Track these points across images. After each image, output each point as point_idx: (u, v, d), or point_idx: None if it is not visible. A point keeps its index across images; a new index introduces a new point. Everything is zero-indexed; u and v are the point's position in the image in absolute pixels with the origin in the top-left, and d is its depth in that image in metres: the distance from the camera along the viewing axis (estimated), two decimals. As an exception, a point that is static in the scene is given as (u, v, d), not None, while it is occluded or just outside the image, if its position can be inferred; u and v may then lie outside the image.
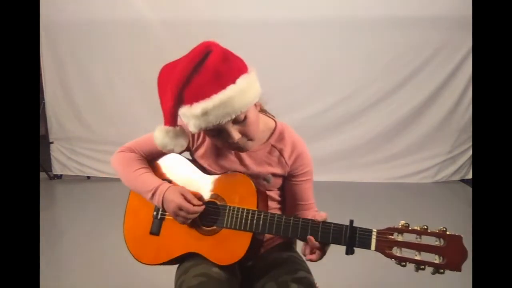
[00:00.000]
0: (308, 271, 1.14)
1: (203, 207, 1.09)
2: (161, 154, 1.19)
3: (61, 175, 3.88)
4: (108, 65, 3.59)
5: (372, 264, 2.06)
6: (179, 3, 3.44)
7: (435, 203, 3.25)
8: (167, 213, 1.14)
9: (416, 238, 0.90)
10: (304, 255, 1.02)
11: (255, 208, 1.05)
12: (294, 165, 1.15)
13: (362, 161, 3.71)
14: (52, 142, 3.81)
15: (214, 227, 1.09)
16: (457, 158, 3.69)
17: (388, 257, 0.91)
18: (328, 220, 0.98)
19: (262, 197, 1.10)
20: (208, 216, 1.10)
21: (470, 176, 3.68)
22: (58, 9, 3.45)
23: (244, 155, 1.13)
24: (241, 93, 0.94)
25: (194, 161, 1.20)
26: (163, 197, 1.10)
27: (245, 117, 0.99)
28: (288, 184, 1.18)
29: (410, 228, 0.91)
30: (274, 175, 1.15)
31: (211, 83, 0.92)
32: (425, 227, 0.90)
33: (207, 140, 1.15)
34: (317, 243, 0.97)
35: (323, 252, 0.99)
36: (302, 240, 1.02)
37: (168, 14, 3.44)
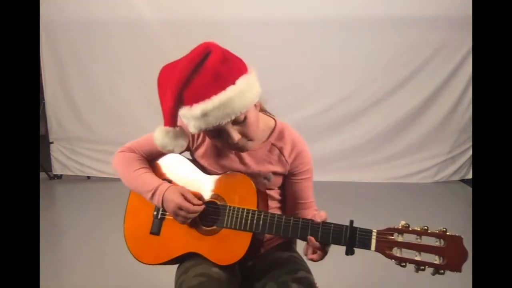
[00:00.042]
0: (308, 271, 1.14)
1: (203, 206, 1.09)
2: (161, 154, 1.19)
3: (61, 175, 3.88)
4: (108, 65, 3.59)
5: (372, 264, 2.06)
6: (179, 3, 3.44)
7: (435, 203, 3.25)
8: (167, 213, 1.14)
9: (416, 238, 0.90)
10: (306, 255, 1.02)
11: (255, 208, 1.05)
12: (294, 163, 1.15)
13: (362, 161, 3.71)
14: (52, 142, 3.81)
15: (214, 227, 1.09)
16: (457, 158, 3.69)
17: (388, 257, 0.91)
18: (328, 220, 0.98)
19: (262, 197, 1.10)
20: (208, 216, 1.10)
21: (470, 176, 3.68)
22: (58, 9, 3.45)
23: (244, 154, 1.13)
24: (241, 94, 0.94)
25: (194, 161, 1.20)
26: (163, 197, 1.10)
27: (245, 118, 0.99)
28: (288, 183, 1.18)
29: (410, 229, 0.91)
30: (275, 173, 1.15)
31: (211, 84, 0.92)
32: (425, 227, 0.90)
33: (207, 140, 1.15)
34: (317, 243, 0.97)
35: (324, 252, 0.99)
36: (303, 240, 1.02)
37: (168, 14, 3.44)
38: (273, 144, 1.15)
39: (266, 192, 1.14)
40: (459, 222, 2.75)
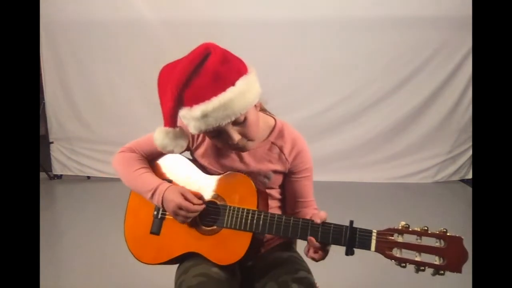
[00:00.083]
0: (308, 271, 1.14)
1: (203, 206, 1.09)
2: (161, 154, 1.19)
3: (61, 175, 3.88)
4: (108, 65, 3.59)
5: (372, 265, 2.06)
6: (179, 3, 3.44)
7: (435, 203, 3.24)
8: (167, 213, 1.14)
9: (416, 239, 0.90)
10: (307, 255, 1.02)
11: (255, 208, 1.05)
12: (294, 162, 1.15)
13: (362, 161, 3.71)
14: (52, 142, 3.81)
15: (214, 227, 1.09)
16: (457, 158, 3.69)
17: (388, 258, 0.91)
18: (328, 221, 0.98)
19: (263, 197, 1.10)
20: (208, 216, 1.10)
21: (470, 176, 3.68)
22: (58, 9, 3.45)
23: (244, 153, 1.13)
24: (241, 95, 0.94)
25: (194, 161, 1.20)
26: (162, 197, 1.10)
27: (245, 118, 0.99)
28: (288, 181, 1.19)
29: (410, 229, 0.91)
30: (275, 172, 1.15)
31: (211, 85, 0.93)
32: (426, 228, 0.90)
33: (207, 139, 1.15)
34: (317, 244, 0.97)
35: (324, 252, 0.99)
36: (303, 240, 1.02)
37: (168, 14, 3.44)
38: (273, 143, 1.15)
39: (267, 192, 1.14)
40: (459, 222, 2.75)
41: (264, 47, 3.37)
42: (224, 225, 1.07)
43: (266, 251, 1.21)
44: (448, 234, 0.88)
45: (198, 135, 1.16)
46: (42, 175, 3.79)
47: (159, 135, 1.03)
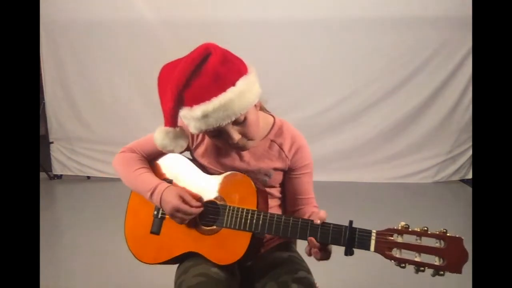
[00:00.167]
0: (308, 271, 1.14)
1: (201, 209, 1.09)
2: (162, 154, 1.20)
3: (61, 175, 3.88)
4: (108, 65, 3.59)
5: (372, 265, 2.06)
6: (179, 3, 3.44)
7: (435, 203, 3.24)
8: (167, 213, 1.14)
9: (416, 239, 0.90)
10: (308, 255, 1.01)
11: (255, 208, 1.05)
12: (294, 158, 1.15)
13: (362, 161, 3.71)
14: (52, 142, 3.81)
15: (214, 227, 1.09)
16: (457, 158, 3.69)
17: (387, 258, 0.91)
18: (328, 221, 0.98)
19: (262, 197, 1.10)
20: (208, 215, 1.10)
21: (470, 176, 3.68)
22: (58, 9, 3.45)
23: (244, 151, 1.13)
24: (241, 95, 0.94)
25: (194, 160, 1.20)
26: (161, 197, 1.10)
27: (245, 118, 0.99)
28: (288, 178, 1.19)
29: (410, 230, 0.91)
30: (275, 169, 1.16)
31: (211, 85, 0.93)
32: (425, 228, 0.90)
33: (207, 139, 1.15)
34: (318, 244, 0.97)
35: (325, 252, 0.98)
36: (303, 240, 1.01)
37: (168, 14, 3.44)
38: (272, 141, 1.15)
39: (267, 192, 1.14)
40: (459, 222, 2.75)
41: (264, 47, 3.37)
42: (224, 225, 1.07)
43: (266, 251, 1.21)
44: (448, 234, 0.88)
45: (198, 135, 1.16)
46: (42, 175, 3.79)
47: (159, 135, 1.04)
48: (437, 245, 0.89)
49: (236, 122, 0.99)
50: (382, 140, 3.67)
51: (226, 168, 1.15)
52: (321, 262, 1.00)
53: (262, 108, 1.18)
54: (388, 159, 3.70)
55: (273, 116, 1.19)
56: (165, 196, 1.10)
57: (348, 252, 0.94)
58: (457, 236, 0.88)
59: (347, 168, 3.69)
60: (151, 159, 1.22)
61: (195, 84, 0.93)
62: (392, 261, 0.90)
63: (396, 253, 0.90)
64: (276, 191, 1.20)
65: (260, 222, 1.03)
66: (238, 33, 3.30)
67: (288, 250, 1.22)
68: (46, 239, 2.47)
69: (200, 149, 1.18)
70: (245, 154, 1.14)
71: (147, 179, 1.15)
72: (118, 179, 1.22)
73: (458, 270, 0.86)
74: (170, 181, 1.17)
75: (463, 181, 3.71)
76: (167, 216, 1.15)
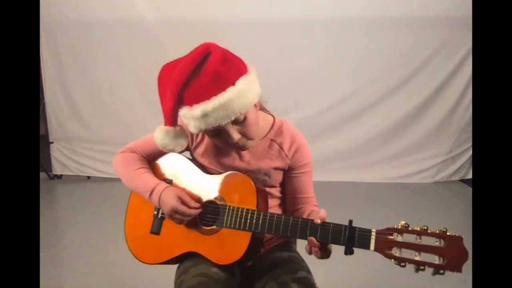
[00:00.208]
0: (308, 271, 1.14)
1: (199, 210, 1.09)
2: (162, 154, 1.20)
3: (61, 175, 3.88)
4: (108, 65, 3.59)
5: (373, 265, 2.06)
6: (179, 3, 3.44)
7: (435, 203, 3.25)
8: (167, 213, 1.14)
9: (416, 238, 0.90)
10: (309, 254, 1.01)
11: (254, 208, 1.05)
12: (294, 157, 1.16)
13: (362, 161, 3.71)
14: (52, 142, 3.81)
15: (214, 227, 1.09)
16: (457, 158, 3.69)
17: (387, 257, 0.91)
18: (328, 220, 0.98)
19: (262, 197, 1.10)
20: (208, 215, 1.10)
21: (470, 176, 3.68)
22: (58, 9, 3.45)
23: (244, 151, 1.14)
24: (241, 94, 0.94)
25: (194, 160, 1.20)
26: (159, 198, 1.10)
27: (245, 118, 0.99)
28: (288, 178, 1.19)
29: (410, 229, 0.91)
30: (275, 169, 1.16)
31: (211, 85, 0.93)
32: (425, 227, 0.90)
33: (207, 138, 1.16)
34: (318, 243, 0.97)
35: (325, 251, 0.98)
36: (303, 239, 1.01)
37: (168, 14, 3.44)
38: (272, 140, 1.15)
39: (267, 192, 1.14)
40: (459, 222, 2.75)
41: (264, 47, 3.37)
42: (224, 225, 1.07)
43: (266, 251, 1.21)
44: (448, 233, 0.88)
45: (198, 134, 1.16)
46: (42, 175, 3.79)
47: (159, 134, 1.04)
48: (437, 244, 0.89)
49: (235, 122, 0.99)
50: (382, 140, 3.67)
51: (226, 167, 1.15)
52: (321, 262, 1.00)
53: (262, 108, 1.18)
54: (388, 159, 3.70)
55: (273, 116, 1.19)
56: (163, 197, 1.10)
57: (348, 251, 0.94)
58: (457, 235, 0.88)
59: (347, 168, 3.69)
60: (151, 159, 1.22)
61: (195, 83, 0.93)
62: (392, 260, 0.90)
63: (396, 252, 0.90)
64: (276, 191, 1.20)
65: (260, 221, 1.03)
66: (238, 33, 3.30)
67: (288, 250, 1.22)
68: (46, 239, 2.48)
69: (200, 149, 1.18)
70: (245, 153, 1.14)
71: (146, 179, 1.16)
72: (118, 179, 1.22)
73: (458, 269, 0.86)
74: (170, 181, 1.17)
75: (463, 181, 3.71)
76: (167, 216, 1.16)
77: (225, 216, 1.07)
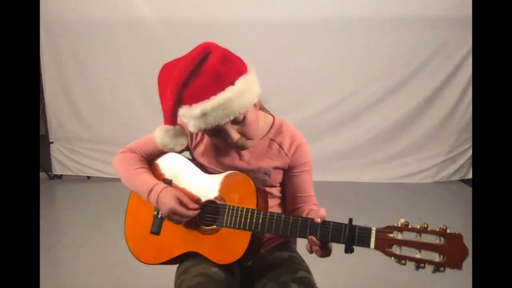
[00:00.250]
0: (308, 271, 1.14)
1: (197, 211, 1.09)
2: (162, 154, 1.20)
3: (61, 175, 3.88)
4: (108, 65, 3.59)
5: (373, 264, 2.06)
6: (179, 3, 3.44)
7: (435, 203, 3.25)
8: (167, 213, 1.14)
9: (416, 236, 0.90)
10: (310, 252, 1.01)
11: (254, 207, 1.05)
12: (294, 156, 1.16)
13: (362, 161, 3.71)
14: (52, 142, 3.81)
15: (214, 227, 1.09)
16: (457, 158, 3.69)
17: (387, 255, 0.91)
18: (327, 220, 0.98)
19: (262, 196, 1.10)
20: (208, 215, 1.10)
21: (470, 176, 3.68)
22: (58, 9, 3.45)
23: (243, 151, 1.14)
24: (240, 94, 0.95)
25: (193, 160, 1.20)
26: (157, 198, 1.10)
27: (244, 117, 0.99)
28: (288, 177, 1.19)
29: (410, 227, 0.90)
30: (275, 168, 1.16)
31: (210, 84, 0.93)
32: (425, 225, 0.89)
33: (206, 138, 1.16)
34: (318, 242, 0.97)
35: (325, 249, 0.98)
36: (303, 238, 1.01)
37: (168, 14, 3.44)
38: (272, 139, 1.15)
39: (266, 191, 1.14)
40: (459, 222, 2.75)
41: (264, 47, 3.37)
42: (224, 225, 1.07)
43: (266, 251, 1.21)
44: (448, 231, 0.88)
45: (197, 134, 1.17)
46: (42, 175, 3.79)
47: (159, 133, 1.04)
48: (437, 241, 0.89)
49: (235, 121, 0.99)
50: (382, 140, 3.67)
51: (225, 167, 1.15)
52: (321, 262, 1.01)
53: (262, 108, 1.18)
54: (388, 159, 3.70)
55: (272, 116, 1.19)
56: (162, 197, 1.10)
57: (348, 250, 0.94)
58: (457, 232, 0.88)
59: (347, 168, 3.69)
60: (151, 159, 1.22)
61: (194, 83, 0.94)
62: (392, 258, 0.90)
63: (396, 250, 0.90)
64: (275, 191, 1.20)
65: (260, 221, 1.03)
66: (238, 33, 3.30)
67: (288, 250, 1.22)
68: (46, 239, 2.48)
69: (200, 148, 1.18)
70: (245, 153, 1.14)
71: (145, 179, 1.16)
72: (118, 179, 1.22)
73: (458, 266, 0.86)
74: (169, 181, 1.17)
75: (463, 181, 3.71)
76: (167, 216, 1.16)
77: (225, 216, 1.07)
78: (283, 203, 1.23)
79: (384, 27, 3.40)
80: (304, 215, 1.11)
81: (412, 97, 3.58)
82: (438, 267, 0.87)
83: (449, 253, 0.87)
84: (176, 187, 1.16)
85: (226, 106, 0.93)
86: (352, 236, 0.93)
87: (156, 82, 1.03)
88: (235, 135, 1.00)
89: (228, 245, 1.07)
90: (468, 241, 0.86)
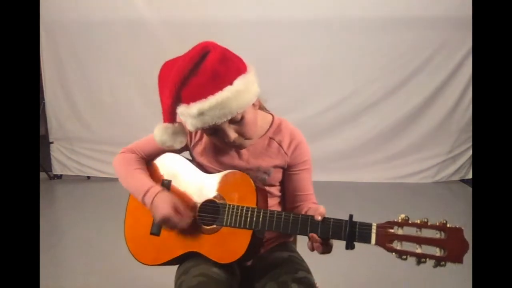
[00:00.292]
0: (308, 271, 1.14)
1: (191, 219, 1.09)
2: (162, 154, 1.20)
3: (61, 175, 3.88)
4: (108, 65, 3.59)
5: (373, 264, 2.06)
6: (179, 3, 3.44)
7: (435, 203, 3.25)
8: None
9: (416, 231, 0.90)
10: (311, 250, 1.01)
11: (254, 206, 1.05)
12: (293, 154, 1.16)
13: (362, 161, 3.71)
14: (52, 142, 3.81)
15: (214, 226, 1.09)
16: (457, 158, 3.69)
17: (388, 250, 0.90)
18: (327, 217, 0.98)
19: (262, 195, 1.10)
20: (207, 214, 1.10)
21: (470, 176, 3.68)
22: (58, 8, 3.46)
23: (243, 149, 1.14)
24: (238, 94, 0.95)
25: (193, 160, 1.20)
26: (152, 201, 1.10)
27: (242, 117, 1.00)
28: (287, 175, 1.19)
29: (410, 222, 0.90)
30: (274, 167, 1.16)
31: (208, 83, 0.93)
32: (425, 220, 0.89)
33: (205, 136, 1.16)
34: (319, 239, 0.97)
35: (325, 246, 0.98)
36: (303, 235, 1.01)
37: (168, 14, 3.44)
38: (271, 138, 1.16)
39: (266, 190, 1.14)
40: (459, 222, 2.72)
41: (264, 47, 3.37)
42: (224, 224, 1.07)
43: (266, 251, 1.21)
44: (448, 225, 0.88)
45: (196, 132, 1.17)
46: (42, 175, 3.79)
47: (158, 131, 1.04)
48: (438, 236, 0.88)
49: (232, 121, 0.99)
50: (382, 140, 3.67)
51: (225, 166, 1.15)
52: (321, 262, 1.00)
53: (261, 107, 1.18)
54: (388, 159, 3.71)
55: (272, 115, 1.19)
56: (157, 201, 1.09)
57: (349, 246, 0.93)
58: (457, 226, 0.87)
59: (347, 168, 3.69)
60: (151, 160, 1.22)
61: (192, 81, 0.94)
62: (393, 253, 0.90)
63: (397, 245, 0.90)
64: (275, 190, 1.20)
65: (260, 219, 1.03)
66: (238, 33, 3.30)
67: (288, 250, 1.21)
68: (46, 239, 2.48)
69: (199, 147, 1.18)
70: (244, 152, 1.14)
71: (141, 180, 1.15)
72: (118, 179, 1.22)
73: (459, 260, 0.86)
74: (168, 182, 1.17)
75: (463, 181, 3.71)
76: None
77: (225, 215, 1.07)
78: (282, 202, 1.23)
79: (384, 27, 3.40)
80: (303, 213, 1.11)
81: (412, 97, 3.58)
82: (439, 261, 0.87)
83: (450, 247, 0.86)
84: (175, 189, 1.16)
85: (224, 105, 0.93)
86: (353, 232, 0.93)
87: (156, 82, 1.03)
88: (232, 135, 1.00)
89: (228, 244, 1.07)
90: (468, 241, 0.86)
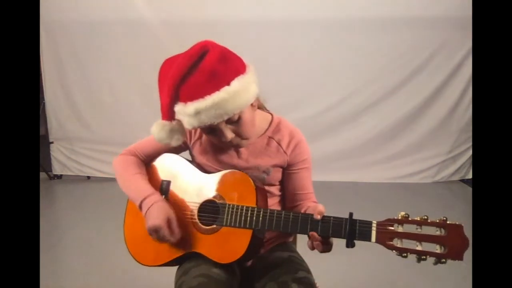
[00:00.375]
0: (308, 271, 1.14)
1: (177, 237, 1.09)
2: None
3: (61, 175, 3.88)
4: (108, 65, 3.59)
5: (373, 264, 2.06)
6: (179, 3, 3.44)
7: (435, 203, 3.25)
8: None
9: (417, 228, 0.90)
10: (311, 249, 1.01)
11: (254, 206, 1.05)
12: (293, 153, 1.16)
13: (362, 161, 3.71)
14: (52, 142, 3.81)
15: (214, 226, 1.09)
16: (457, 158, 3.69)
17: (389, 248, 0.90)
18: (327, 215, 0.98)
19: (261, 195, 1.10)
20: (207, 214, 1.10)
21: (470, 176, 3.68)
22: (58, 8, 3.46)
23: (242, 148, 1.14)
24: (235, 95, 0.95)
25: (192, 159, 1.20)
26: (148, 209, 1.10)
27: (239, 117, 1.00)
28: (287, 174, 1.19)
29: (410, 219, 0.90)
30: (273, 166, 1.16)
31: (206, 83, 0.93)
32: (425, 217, 0.89)
33: (204, 135, 1.16)
34: (319, 237, 0.97)
35: (326, 244, 0.98)
36: (303, 234, 1.01)
37: (168, 14, 3.44)
38: (270, 137, 1.16)
39: (266, 190, 1.14)
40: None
41: (264, 47, 3.37)
42: (224, 224, 1.07)
43: (266, 251, 1.21)
44: (448, 222, 0.88)
45: (196, 131, 1.17)
46: (42, 175, 3.79)
47: (156, 128, 1.05)
48: (438, 233, 0.88)
49: (229, 121, 0.99)
50: (382, 140, 3.67)
51: (224, 165, 1.15)
52: (321, 262, 1.00)
53: (261, 107, 1.18)
54: (388, 159, 3.71)
55: (271, 114, 1.19)
56: (153, 210, 1.09)
57: (350, 244, 0.93)
58: (457, 223, 0.87)
59: (347, 168, 3.69)
60: (151, 161, 1.22)
61: (190, 81, 0.94)
62: (394, 251, 0.90)
63: (397, 243, 0.90)
64: (275, 189, 1.20)
65: (261, 218, 1.03)
66: (238, 33, 3.30)
67: (288, 250, 1.21)
68: (46, 239, 2.48)
69: (198, 146, 1.18)
70: (243, 151, 1.14)
71: (140, 186, 1.15)
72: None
73: (459, 257, 0.86)
74: (168, 182, 1.17)
75: (463, 181, 3.71)
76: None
77: (225, 215, 1.07)
78: (282, 202, 1.23)
79: (384, 27, 3.40)
80: (302, 212, 1.11)
81: (412, 97, 3.58)
82: (439, 258, 0.87)
83: (450, 244, 0.86)
84: (174, 189, 1.16)
85: (220, 106, 0.93)
86: (353, 230, 0.93)
87: (156, 82, 1.03)
88: (229, 135, 1.00)
89: (228, 244, 1.07)
90: (468, 238, 0.86)
